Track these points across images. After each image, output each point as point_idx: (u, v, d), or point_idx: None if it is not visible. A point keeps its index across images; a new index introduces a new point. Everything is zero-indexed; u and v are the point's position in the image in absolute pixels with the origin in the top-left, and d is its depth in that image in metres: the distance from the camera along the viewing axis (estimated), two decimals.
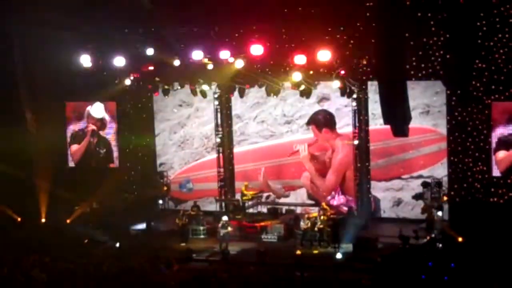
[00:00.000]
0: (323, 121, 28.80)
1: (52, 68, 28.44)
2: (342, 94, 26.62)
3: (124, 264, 21.45)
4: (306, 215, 26.49)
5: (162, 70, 27.22)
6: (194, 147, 31.01)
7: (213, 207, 29.78)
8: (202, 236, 27.18)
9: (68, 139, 31.34)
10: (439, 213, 25.78)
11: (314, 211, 26.91)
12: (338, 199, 28.66)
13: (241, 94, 28.16)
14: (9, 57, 28.44)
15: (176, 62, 26.30)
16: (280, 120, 29.67)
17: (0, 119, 28.27)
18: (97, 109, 30.98)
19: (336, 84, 25.82)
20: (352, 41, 25.43)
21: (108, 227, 27.05)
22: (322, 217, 25.60)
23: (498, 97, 24.87)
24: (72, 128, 31.29)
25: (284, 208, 28.92)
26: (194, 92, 28.41)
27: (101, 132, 31.11)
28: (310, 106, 28.90)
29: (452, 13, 24.80)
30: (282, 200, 29.58)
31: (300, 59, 24.93)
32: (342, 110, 28.37)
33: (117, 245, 25.76)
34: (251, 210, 28.46)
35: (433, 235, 24.71)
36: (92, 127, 31.07)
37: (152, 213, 29.51)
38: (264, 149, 30.14)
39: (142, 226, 28.36)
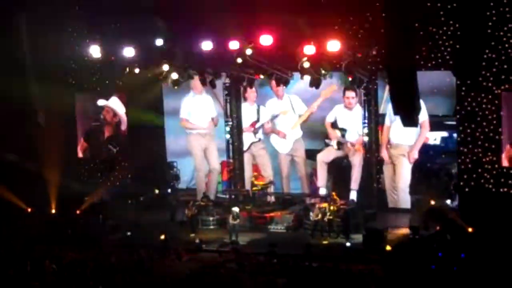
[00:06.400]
0: None
1: (61, 60, 28.45)
2: (352, 84, 26.60)
3: (133, 254, 21.50)
4: (316, 206, 26.47)
5: (171, 60, 27.23)
6: None
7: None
8: (211, 227, 27.14)
9: (82, 134, 31.36)
10: (449, 203, 25.72)
11: (324, 202, 26.85)
12: None
13: (250, 85, 28.13)
14: (18, 50, 28.43)
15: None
16: None
17: (9, 112, 28.32)
18: (116, 103, 30.86)
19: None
20: (361, 31, 25.40)
21: (119, 217, 27.11)
22: (332, 208, 25.53)
23: (509, 87, 24.80)
24: (84, 122, 31.28)
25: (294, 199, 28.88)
26: (203, 82, 28.42)
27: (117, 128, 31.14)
28: None
29: (462, 2, 24.71)
30: (292, 191, 29.52)
31: (309, 49, 24.94)
32: None
33: (128, 233, 25.86)
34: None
35: (442, 225, 24.62)
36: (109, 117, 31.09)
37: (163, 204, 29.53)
38: None
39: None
